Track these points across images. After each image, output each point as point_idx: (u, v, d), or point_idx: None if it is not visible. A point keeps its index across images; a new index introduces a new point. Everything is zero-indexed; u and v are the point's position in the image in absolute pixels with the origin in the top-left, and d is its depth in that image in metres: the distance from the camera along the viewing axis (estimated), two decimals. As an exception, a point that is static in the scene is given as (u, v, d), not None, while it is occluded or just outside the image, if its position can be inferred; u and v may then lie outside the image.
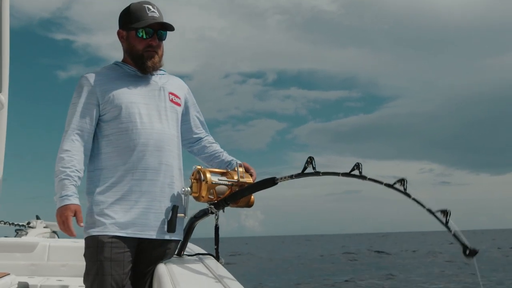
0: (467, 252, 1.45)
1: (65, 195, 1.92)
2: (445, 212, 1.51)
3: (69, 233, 1.93)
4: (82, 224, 1.94)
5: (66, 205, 1.91)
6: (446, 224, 1.51)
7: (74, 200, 1.93)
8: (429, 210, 1.55)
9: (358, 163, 1.71)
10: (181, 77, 2.34)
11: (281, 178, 1.93)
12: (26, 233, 6.03)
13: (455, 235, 1.49)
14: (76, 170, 1.98)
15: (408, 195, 1.61)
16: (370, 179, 1.69)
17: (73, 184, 1.96)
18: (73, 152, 2.00)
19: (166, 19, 2.14)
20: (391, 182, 1.64)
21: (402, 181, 1.62)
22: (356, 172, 1.72)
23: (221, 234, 2.09)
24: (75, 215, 1.92)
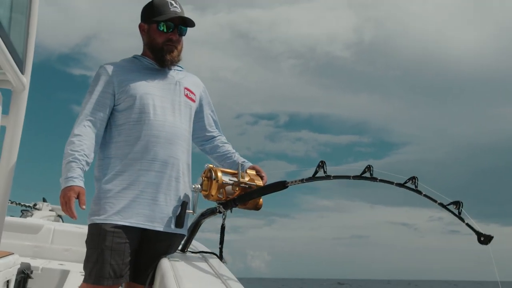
0: (482, 239, 1.49)
1: (71, 177, 1.93)
2: (457, 204, 1.56)
3: (70, 215, 1.92)
4: (84, 206, 1.94)
5: (70, 186, 1.91)
6: (459, 215, 1.56)
7: (79, 182, 1.93)
8: (441, 204, 1.60)
9: (369, 165, 1.74)
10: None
11: (291, 182, 1.93)
12: (32, 215, 6.09)
13: (468, 225, 1.53)
14: (85, 154, 1.98)
15: (420, 192, 1.64)
16: (381, 180, 1.72)
17: (80, 167, 1.96)
18: (84, 137, 2.01)
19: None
20: (402, 182, 1.68)
21: (413, 179, 1.66)
22: (367, 174, 1.74)
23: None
24: (78, 197, 1.92)
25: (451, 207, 1.57)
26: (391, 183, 1.69)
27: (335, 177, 1.81)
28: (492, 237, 1.48)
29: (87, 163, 2.00)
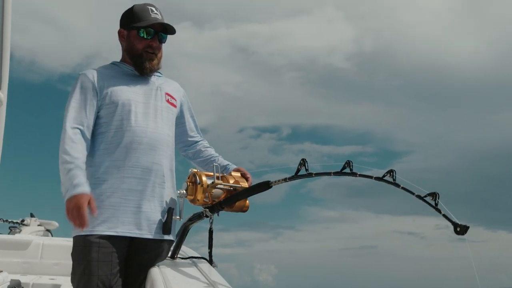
0: (458, 229, 1.49)
1: (78, 183, 1.85)
2: (434, 195, 1.56)
3: (83, 223, 1.81)
4: (96, 213, 1.86)
5: (81, 193, 1.83)
6: (435, 206, 1.55)
7: (88, 189, 1.87)
8: (419, 196, 1.60)
9: (349, 161, 1.75)
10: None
11: (275, 182, 1.93)
12: (20, 231, 6.01)
13: (445, 216, 1.53)
14: (83, 162, 1.93)
15: (398, 185, 1.65)
16: (360, 175, 1.73)
17: (83, 174, 1.89)
18: (78, 144, 1.95)
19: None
20: (381, 175, 1.68)
21: (391, 172, 1.67)
22: (347, 170, 1.75)
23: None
24: (88, 204, 1.84)
25: (428, 199, 1.57)
26: (370, 177, 1.70)
27: (317, 174, 1.81)
28: (468, 227, 1.47)
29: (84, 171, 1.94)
